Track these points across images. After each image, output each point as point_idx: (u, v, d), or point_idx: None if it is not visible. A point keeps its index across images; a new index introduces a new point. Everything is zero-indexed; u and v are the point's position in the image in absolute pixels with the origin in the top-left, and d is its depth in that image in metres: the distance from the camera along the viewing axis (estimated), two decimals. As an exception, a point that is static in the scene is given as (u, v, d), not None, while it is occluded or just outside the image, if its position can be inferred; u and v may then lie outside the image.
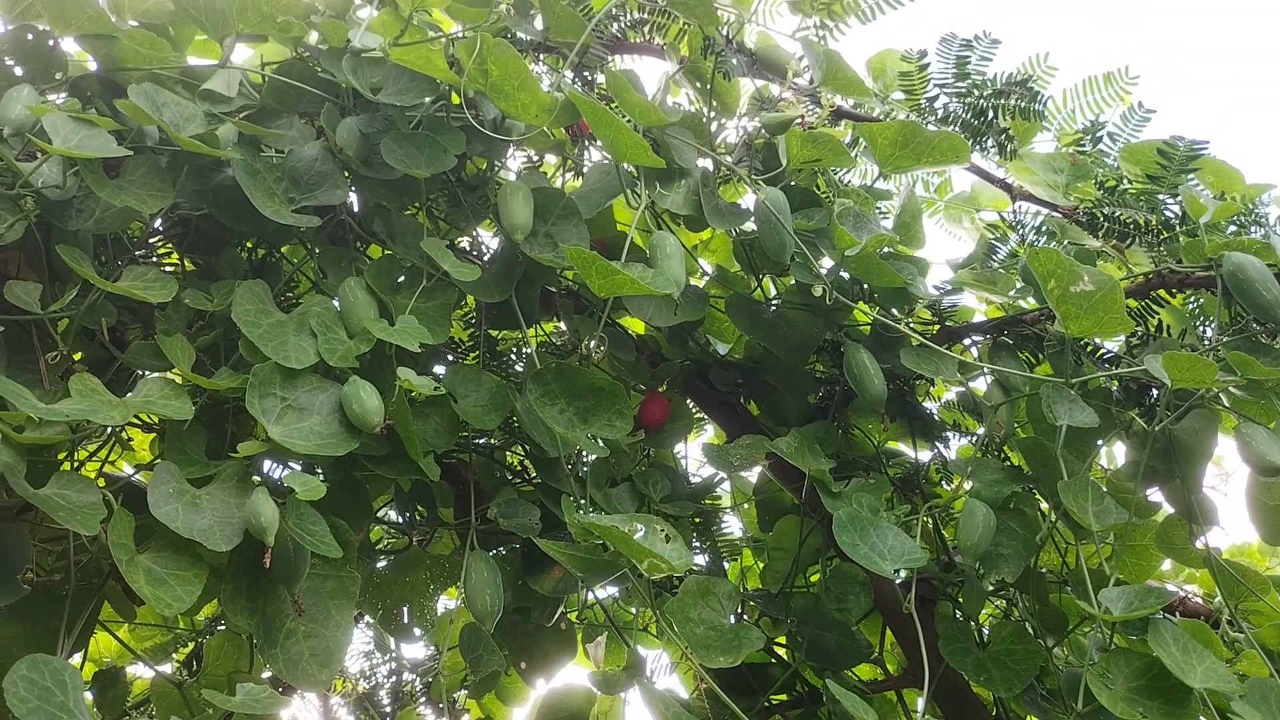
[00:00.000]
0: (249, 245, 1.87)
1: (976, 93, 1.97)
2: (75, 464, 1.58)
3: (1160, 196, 1.83)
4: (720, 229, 1.89)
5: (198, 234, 1.74)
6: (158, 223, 1.77)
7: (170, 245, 1.84)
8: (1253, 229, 1.78)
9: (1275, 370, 1.48)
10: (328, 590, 1.51)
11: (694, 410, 2.21)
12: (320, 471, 1.60)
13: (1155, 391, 1.81)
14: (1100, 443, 1.86)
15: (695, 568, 2.14)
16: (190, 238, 1.75)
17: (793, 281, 2.06)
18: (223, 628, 2.09)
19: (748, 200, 2.02)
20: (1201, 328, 1.87)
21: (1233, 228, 1.79)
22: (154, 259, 1.83)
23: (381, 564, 2.13)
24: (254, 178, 1.59)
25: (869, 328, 2.04)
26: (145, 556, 1.33)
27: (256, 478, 1.52)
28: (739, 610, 1.95)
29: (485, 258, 2.04)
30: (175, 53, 1.69)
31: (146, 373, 1.53)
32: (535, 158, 2.13)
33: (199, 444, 1.49)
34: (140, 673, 2.25)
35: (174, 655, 2.21)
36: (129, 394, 1.39)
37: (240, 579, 1.44)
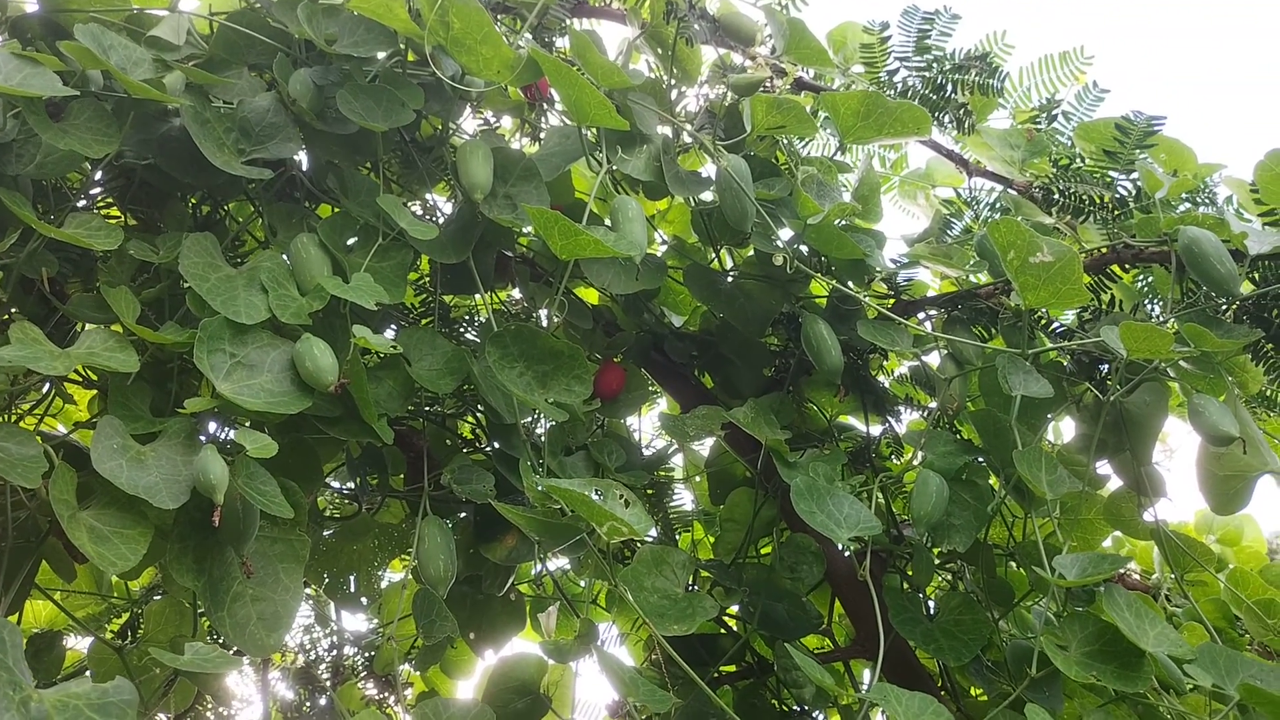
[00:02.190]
0: (194, 200, 1.81)
1: (936, 67, 1.97)
2: (13, 418, 1.52)
3: (1114, 173, 1.86)
4: (680, 196, 1.87)
5: (141, 186, 1.68)
6: (99, 174, 1.70)
7: (112, 199, 1.77)
8: (1204, 207, 1.81)
9: (1227, 342, 1.50)
10: (277, 553, 1.47)
11: (648, 382, 2.20)
12: (269, 433, 1.55)
13: (1106, 366, 1.84)
14: (1051, 416, 1.88)
15: (647, 538, 2.13)
16: (134, 190, 1.69)
17: (751, 253, 2.05)
18: (160, 596, 2.03)
19: (707, 169, 2.01)
20: (1151, 305, 1.90)
21: (1185, 205, 1.82)
22: (95, 211, 1.76)
23: (328, 532, 2.08)
24: (203, 127, 1.53)
25: (825, 301, 2.04)
26: (88, 513, 1.28)
27: (202, 438, 1.47)
28: (691, 580, 1.94)
29: (439, 223, 2.00)
30: (120, -2, 1.62)
31: (88, 326, 1.47)
32: (493, 120, 2.09)
33: (143, 401, 1.44)
34: (74, 644, 2.18)
35: (108, 625, 2.14)
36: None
37: (186, 539, 1.39)
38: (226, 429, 1.59)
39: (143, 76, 1.45)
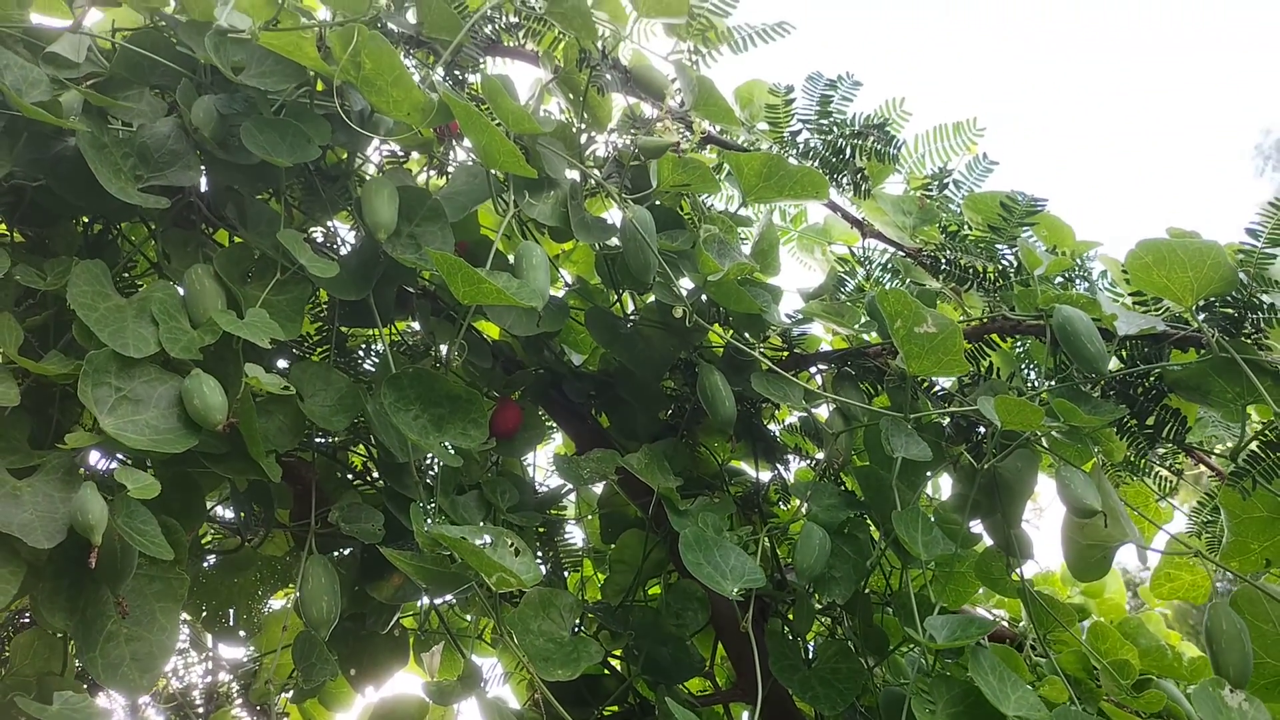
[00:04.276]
0: (85, 219, 1.76)
1: (836, 131, 2.04)
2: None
3: (998, 246, 1.94)
4: (585, 242, 1.89)
5: (32, 205, 1.63)
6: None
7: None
8: (1079, 283, 1.90)
9: (1094, 418, 1.59)
10: (154, 592, 1.44)
11: (545, 420, 2.21)
12: (151, 467, 1.52)
13: (983, 429, 1.92)
14: (930, 475, 1.95)
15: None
16: (23, 209, 1.63)
17: (652, 299, 2.09)
18: (27, 621, 1.96)
19: (613, 214, 2.03)
20: (1027, 371, 1.99)
21: (1061, 280, 1.91)
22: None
23: (209, 564, 2.03)
24: (100, 152, 1.50)
25: (722, 350, 2.08)
26: (-46, 551, 1.24)
27: (83, 471, 1.43)
28: (578, 622, 1.96)
29: (341, 250, 1.98)
30: (18, 9, 1.58)
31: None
32: (400, 153, 2.09)
33: (22, 432, 1.40)
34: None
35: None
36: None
37: (60, 577, 1.36)
38: (110, 460, 1.55)
39: (38, 98, 1.42)
